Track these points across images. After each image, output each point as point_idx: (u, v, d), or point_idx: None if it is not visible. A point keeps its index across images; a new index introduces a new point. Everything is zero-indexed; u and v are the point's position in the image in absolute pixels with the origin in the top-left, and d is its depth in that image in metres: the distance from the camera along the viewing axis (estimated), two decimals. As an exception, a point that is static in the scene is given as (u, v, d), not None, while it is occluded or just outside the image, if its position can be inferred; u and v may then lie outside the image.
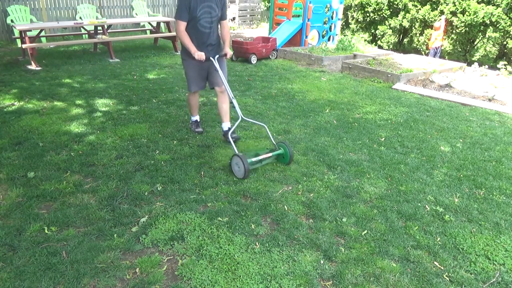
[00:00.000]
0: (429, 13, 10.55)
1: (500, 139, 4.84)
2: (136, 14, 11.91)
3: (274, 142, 3.97)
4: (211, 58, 4.05)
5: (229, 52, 4.19)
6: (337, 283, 2.45)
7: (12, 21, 9.53)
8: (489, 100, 6.48)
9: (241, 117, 3.99)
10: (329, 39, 10.79)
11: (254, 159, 3.68)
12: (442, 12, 10.29)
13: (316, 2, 9.83)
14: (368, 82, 7.39)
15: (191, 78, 4.29)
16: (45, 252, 2.58)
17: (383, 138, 4.72)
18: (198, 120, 4.71)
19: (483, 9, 9.33)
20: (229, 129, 4.28)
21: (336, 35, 10.81)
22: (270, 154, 3.81)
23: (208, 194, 3.36)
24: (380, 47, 11.80)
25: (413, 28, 11.24)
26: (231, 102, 4.10)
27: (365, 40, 11.21)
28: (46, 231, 2.79)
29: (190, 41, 3.96)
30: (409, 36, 11.65)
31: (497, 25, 9.26)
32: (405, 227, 3.02)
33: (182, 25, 3.94)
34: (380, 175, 3.82)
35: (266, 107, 5.62)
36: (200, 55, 3.92)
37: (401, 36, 12.02)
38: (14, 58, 8.19)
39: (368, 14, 12.01)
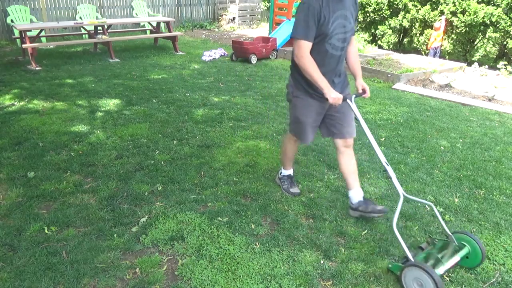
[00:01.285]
0: (429, 13, 10.54)
1: (500, 139, 4.84)
2: (136, 14, 11.91)
3: (449, 232, 2.58)
4: (348, 100, 2.80)
5: (366, 86, 2.96)
6: (337, 283, 2.45)
7: (12, 21, 9.52)
8: (489, 100, 6.48)
9: (403, 195, 2.68)
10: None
11: (441, 270, 2.37)
12: (442, 12, 10.28)
13: (316, 2, 9.82)
14: (368, 82, 7.39)
15: (306, 124, 2.95)
16: (45, 252, 2.58)
17: (383, 138, 4.72)
18: (292, 175, 3.47)
19: (483, 9, 9.32)
20: (365, 200, 3.04)
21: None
22: (458, 259, 2.49)
23: (208, 194, 3.36)
24: (380, 47, 11.79)
25: (413, 28, 11.24)
26: (387, 166, 2.78)
27: (365, 40, 11.21)
28: (46, 231, 2.79)
29: (320, 73, 2.67)
30: (409, 36, 11.65)
31: (497, 25, 9.25)
32: (405, 227, 3.02)
33: (307, 47, 2.63)
34: (380, 175, 3.82)
35: (266, 107, 5.62)
36: (337, 99, 2.63)
37: (401, 36, 12.02)
38: (14, 58, 8.19)
39: (368, 14, 11.99)
